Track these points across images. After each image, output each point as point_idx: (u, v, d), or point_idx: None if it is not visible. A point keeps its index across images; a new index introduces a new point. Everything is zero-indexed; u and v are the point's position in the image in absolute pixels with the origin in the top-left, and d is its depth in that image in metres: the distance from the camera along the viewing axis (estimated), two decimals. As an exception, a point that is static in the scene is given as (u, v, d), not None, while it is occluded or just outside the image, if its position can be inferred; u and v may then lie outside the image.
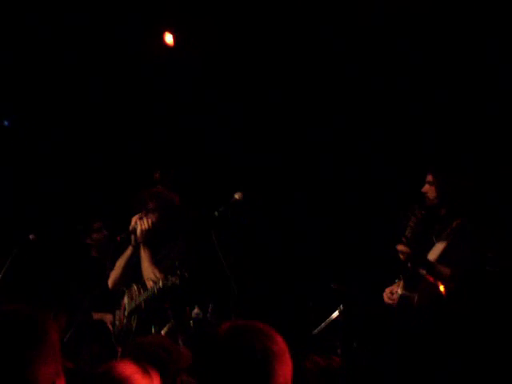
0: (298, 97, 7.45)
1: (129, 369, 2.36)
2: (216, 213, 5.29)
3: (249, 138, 7.72)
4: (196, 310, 5.93)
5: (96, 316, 6.66)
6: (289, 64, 7.22)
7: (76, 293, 6.87)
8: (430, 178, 5.40)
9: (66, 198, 8.15)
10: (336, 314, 5.79)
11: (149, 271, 5.56)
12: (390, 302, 5.26)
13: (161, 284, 5.23)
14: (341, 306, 5.68)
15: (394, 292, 5.28)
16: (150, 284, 5.45)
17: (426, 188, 5.41)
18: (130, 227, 5.82)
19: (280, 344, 2.27)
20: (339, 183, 7.19)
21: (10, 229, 7.36)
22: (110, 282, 5.88)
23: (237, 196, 5.42)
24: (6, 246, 6.17)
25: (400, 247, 5.10)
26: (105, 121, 8.10)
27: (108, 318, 6.42)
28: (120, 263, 5.84)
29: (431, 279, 5.07)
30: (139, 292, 5.59)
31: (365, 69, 6.97)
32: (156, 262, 5.67)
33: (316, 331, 5.96)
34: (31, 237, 6.13)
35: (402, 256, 5.12)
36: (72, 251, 7.48)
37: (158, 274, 5.45)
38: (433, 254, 5.23)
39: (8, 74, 7.60)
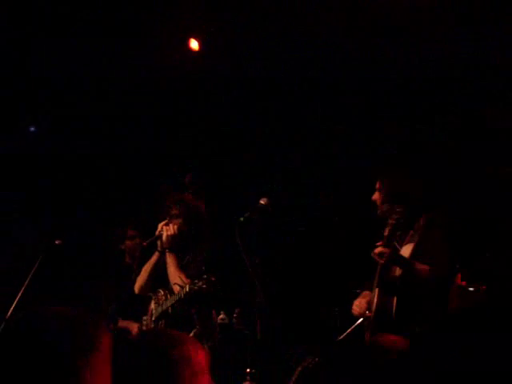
0: (322, 100, 7.45)
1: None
2: (242, 218, 5.29)
3: (274, 141, 7.73)
4: (222, 315, 5.93)
5: (121, 324, 6.67)
6: (313, 68, 7.23)
7: (103, 298, 6.89)
8: (377, 185, 5.39)
9: (95, 202, 8.22)
10: (361, 320, 5.76)
11: (175, 276, 5.57)
12: (361, 311, 5.21)
13: (188, 288, 5.22)
14: (366, 312, 5.65)
15: (362, 303, 5.24)
16: (176, 289, 5.45)
17: (375, 195, 5.38)
18: (156, 233, 5.85)
19: (186, 352, 2.27)
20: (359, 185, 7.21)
21: (38, 234, 7.40)
22: (137, 288, 5.90)
23: (262, 201, 5.42)
24: (32, 251, 6.19)
25: (378, 250, 5.03)
26: (135, 127, 8.15)
27: (133, 326, 6.43)
28: (146, 269, 5.87)
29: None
30: (166, 297, 5.60)
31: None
32: (182, 267, 5.69)
33: (341, 337, 5.94)
34: (57, 242, 6.16)
35: (379, 259, 5.05)
36: (101, 256, 7.52)
37: (184, 279, 5.45)
38: None
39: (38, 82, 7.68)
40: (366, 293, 5.35)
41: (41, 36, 7.19)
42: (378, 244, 5.04)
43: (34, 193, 8.14)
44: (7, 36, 7.08)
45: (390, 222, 5.11)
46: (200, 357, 2.29)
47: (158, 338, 2.32)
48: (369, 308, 5.17)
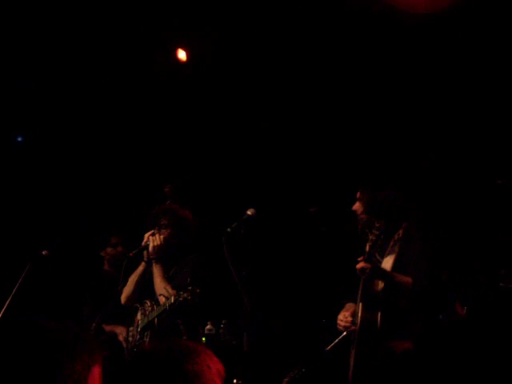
0: (308, 108, 7.46)
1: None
2: (229, 229, 5.28)
3: (261, 150, 7.73)
4: (209, 326, 5.93)
5: (107, 328, 6.66)
6: (303, 77, 7.24)
7: (88, 308, 6.87)
8: (357, 195, 5.39)
9: (81, 212, 8.20)
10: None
11: (161, 287, 5.57)
12: (346, 325, 5.19)
13: (172, 299, 5.23)
14: (351, 326, 5.65)
15: (347, 316, 5.23)
16: (162, 300, 5.45)
17: (356, 206, 5.38)
18: (143, 243, 5.83)
19: (199, 366, 2.21)
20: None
21: (24, 244, 7.38)
22: (123, 298, 5.88)
23: (249, 212, 5.41)
24: (19, 261, 6.17)
25: (360, 265, 5.01)
26: (119, 136, 8.14)
27: (119, 329, 6.42)
28: (132, 279, 5.85)
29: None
30: (152, 308, 5.59)
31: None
32: (168, 278, 5.68)
33: (329, 347, 5.93)
34: (44, 252, 6.13)
35: (361, 274, 5.04)
36: (86, 264, 7.50)
37: (170, 290, 5.45)
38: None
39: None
40: (350, 305, 5.34)
41: (34, 45, 7.22)
42: (359, 259, 5.04)
43: (20, 202, 8.12)
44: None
45: (371, 237, 5.11)
46: (213, 371, 2.23)
47: (171, 349, 2.26)
48: (353, 321, 5.16)
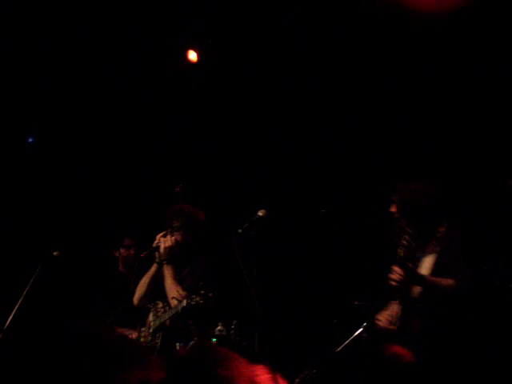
0: (326, 111, 7.44)
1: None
2: (240, 230, 5.28)
3: (272, 151, 7.72)
4: (219, 327, 5.92)
5: (119, 331, 6.66)
6: (312, 77, 7.23)
7: (100, 308, 6.87)
8: (394, 197, 5.33)
9: (94, 213, 8.21)
10: (360, 331, 5.75)
11: (172, 289, 5.56)
12: (386, 325, 5.14)
13: (185, 303, 5.23)
14: (365, 323, 5.64)
15: (386, 316, 5.19)
16: (174, 303, 5.44)
17: (393, 208, 5.33)
18: (154, 244, 5.83)
19: (231, 371, 2.22)
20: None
21: (35, 245, 7.38)
22: (135, 299, 5.88)
23: (260, 213, 5.40)
24: (30, 262, 6.18)
25: (396, 274, 4.93)
26: (132, 137, 8.15)
27: (129, 332, 6.42)
28: (144, 280, 5.85)
29: None
30: (164, 309, 5.59)
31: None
32: (180, 279, 5.67)
33: (340, 348, 5.92)
34: (55, 253, 6.15)
35: (394, 282, 4.98)
36: (98, 265, 7.50)
37: (181, 292, 5.45)
38: (424, 269, 5.10)
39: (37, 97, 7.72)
40: (391, 304, 5.27)
41: (41, 49, 7.23)
42: (393, 267, 4.98)
43: (32, 203, 8.13)
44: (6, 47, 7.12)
45: (404, 242, 5.04)
46: (245, 378, 2.24)
47: (204, 353, 2.28)
48: (393, 322, 5.12)
